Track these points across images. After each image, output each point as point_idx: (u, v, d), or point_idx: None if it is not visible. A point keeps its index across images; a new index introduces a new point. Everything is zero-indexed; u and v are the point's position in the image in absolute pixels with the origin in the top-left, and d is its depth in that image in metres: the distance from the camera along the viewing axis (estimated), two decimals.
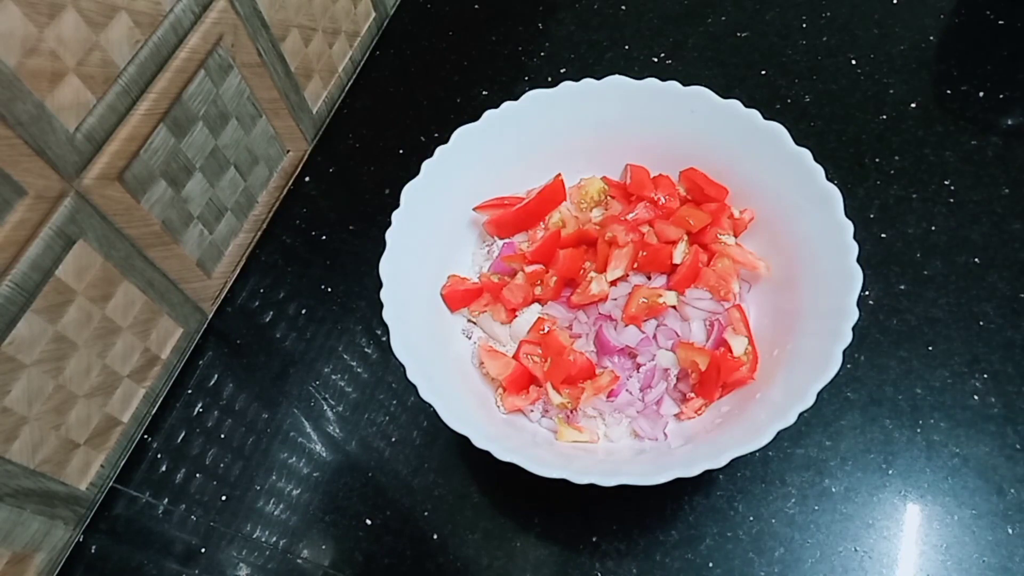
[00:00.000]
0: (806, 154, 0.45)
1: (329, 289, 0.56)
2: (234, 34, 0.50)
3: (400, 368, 0.40)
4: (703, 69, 0.64)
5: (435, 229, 0.48)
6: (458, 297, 0.49)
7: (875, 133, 0.59)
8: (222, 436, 0.51)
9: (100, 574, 0.47)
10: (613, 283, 0.47)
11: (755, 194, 0.48)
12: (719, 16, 0.67)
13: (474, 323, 0.50)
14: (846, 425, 0.47)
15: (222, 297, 0.56)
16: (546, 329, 0.47)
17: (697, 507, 0.46)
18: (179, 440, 0.51)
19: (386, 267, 0.44)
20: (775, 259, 0.47)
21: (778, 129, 0.45)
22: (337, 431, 0.51)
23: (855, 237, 0.41)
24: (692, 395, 0.45)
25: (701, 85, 0.48)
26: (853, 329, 0.39)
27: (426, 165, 0.47)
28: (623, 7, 0.69)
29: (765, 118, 0.46)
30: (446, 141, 0.48)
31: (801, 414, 0.37)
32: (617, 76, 0.49)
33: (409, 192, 0.46)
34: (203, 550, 0.47)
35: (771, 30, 0.66)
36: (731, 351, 0.45)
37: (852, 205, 0.42)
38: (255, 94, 0.54)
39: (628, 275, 0.48)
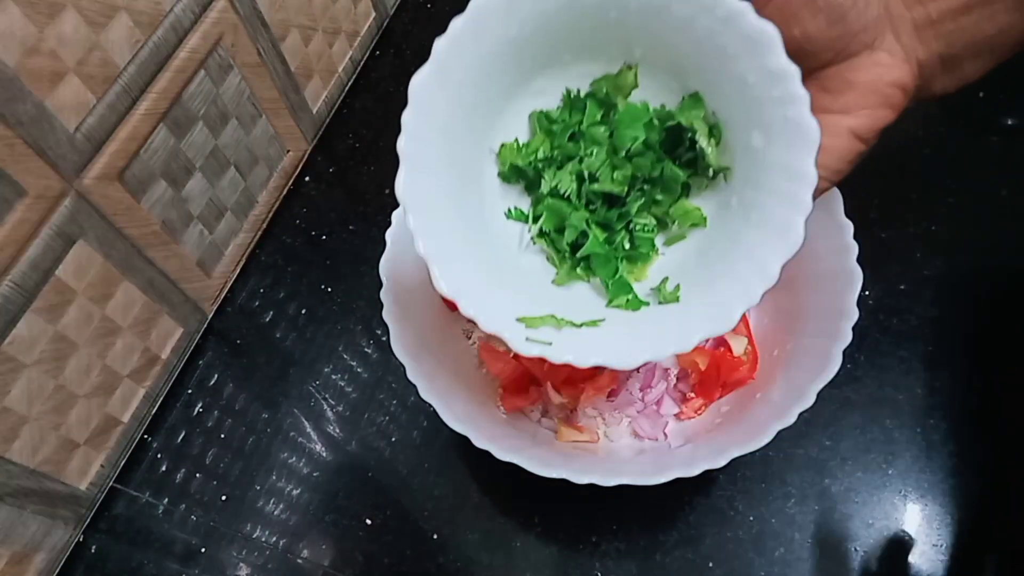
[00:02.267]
0: None
1: (329, 289, 0.56)
2: (234, 34, 0.50)
3: (400, 368, 0.40)
4: None
5: None
6: None
7: None
8: (222, 436, 0.51)
9: (100, 574, 0.47)
10: None
11: None
12: None
13: (474, 323, 0.50)
14: (846, 425, 0.47)
15: (222, 297, 0.56)
16: None
17: (697, 507, 0.46)
18: (179, 440, 0.51)
19: (386, 267, 0.44)
20: None
21: None
22: (337, 431, 0.51)
23: (855, 237, 0.41)
24: (692, 395, 0.45)
25: None
26: (853, 329, 0.39)
27: None
28: None
29: None
30: None
31: (801, 414, 0.37)
32: None
33: None
34: (203, 550, 0.47)
35: None
36: (731, 351, 0.45)
37: (852, 205, 0.42)
38: (255, 94, 0.54)
39: None
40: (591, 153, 0.36)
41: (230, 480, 0.49)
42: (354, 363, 0.53)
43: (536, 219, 0.36)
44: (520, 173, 0.36)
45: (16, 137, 0.36)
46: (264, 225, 0.60)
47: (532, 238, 0.37)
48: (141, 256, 0.47)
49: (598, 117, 0.36)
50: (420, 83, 0.31)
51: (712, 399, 0.45)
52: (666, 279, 0.35)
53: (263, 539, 0.47)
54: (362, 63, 0.68)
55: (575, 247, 0.36)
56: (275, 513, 0.48)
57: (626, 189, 0.35)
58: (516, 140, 0.36)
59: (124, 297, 0.46)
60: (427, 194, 0.32)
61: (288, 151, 0.61)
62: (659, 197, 0.35)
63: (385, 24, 0.71)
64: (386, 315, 0.42)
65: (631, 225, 0.36)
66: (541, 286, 0.36)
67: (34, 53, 0.36)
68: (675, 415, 0.45)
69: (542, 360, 0.46)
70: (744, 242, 0.33)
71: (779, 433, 0.37)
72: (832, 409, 0.48)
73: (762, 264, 0.31)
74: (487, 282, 0.34)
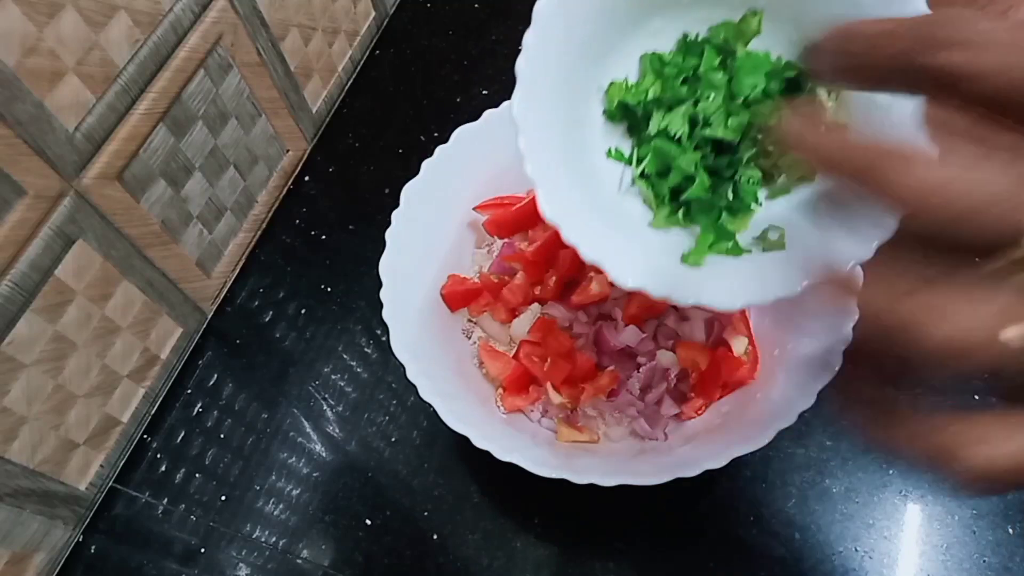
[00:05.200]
0: None
1: (329, 289, 0.56)
2: (234, 33, 0.50)
3: (400, 368, 0.40)
4: None
5: (435, 229, 0.48)
6: (458, 297, 0.49)
7: None
8: (222, 436, 0.51)
9: (100, 574, 0.47)
10: (613, 283, 0.47)
11: None
12: None
13: (474, 323, 0.50)
14: (847, 425, 0.47)
15: (222, 297, 0.56)
16: (546, 329, 0.47)
17: (697, 507, 0.46)
18: (178, 440, 0.51)
19: (386, 267, 0.44)
20: None
21: None
22: (337, 431, 0.51)
23: None
24: (692, 395, 0.45)
25: None
26: (854, 328, 0.39)
27: (426, 165, 0.47)
28: None
29: None
30: (446, 141, 0.48)
31: (802, 414, 0.37)
32: None
33: (409, 192, 0.46)
34: (203, 550, 0.47)
35: None
36: (731, 350, 0.45)
37: None
38: (255, 93, 0.54)
39: None
40: (707, 97, 0.35)
41: (229, 480, 0.49)
42: (354, 363, 0.53)
43: (640, 161, 0.35)
44: (627, 112, 0.35)
45: (15, 137, 0.36)
46: (264, 225, 0.60)
47: (633, 179, 0.36)
48: (140, 256, 0.47)
49: (716, 63, 0.35)
50: (546, 4, 0.31)
51: (712, 399, 0.45)
52: (768, 228, 0.34)
53: (263, 539, 0.47)
54: (362, 62, 0.68)
55: (675, 192, 0.35)
56: (275, 513, 0.48)
57: (739, 137, 0.34)
58: (626, 79, 0.35)
59: (123, 297, 0.46)
60: (537, 119, 0.32)
61: (288, 151, 0.61)
62: (770, 148, 0.34)
63: (385, 23, 0.70)
64: (386, 315, 0.42)
65: (736, 175, 0.35)
66: (638, 227, 0.35)
67: (33, 53, 0.36)
68: (675, 415, 0.45)
69: (542, 360, 0.46)
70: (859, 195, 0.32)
71: (780, 433, 0.37)
72: (833, 409, 0.47)
73: (878, 216, 0.31)
74: (588, 214, 0.33)
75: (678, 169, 0.35)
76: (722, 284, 0.32)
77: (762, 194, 0.35)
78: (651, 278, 0.32)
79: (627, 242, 0.34)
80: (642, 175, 0.36)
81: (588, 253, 0.32)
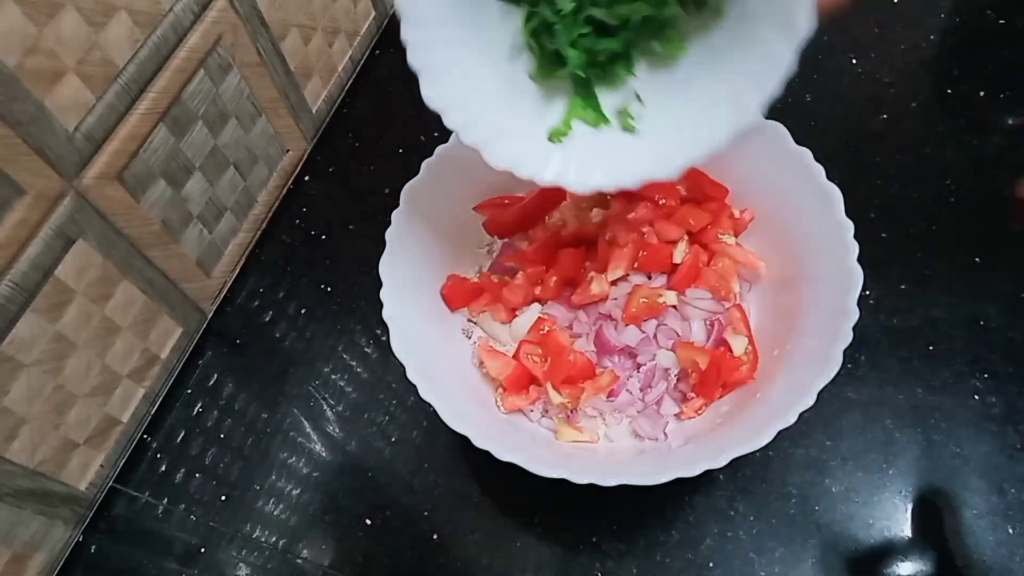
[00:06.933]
0: (806, 153, 0.44)
1: (329, 289, 0.56)
2: (234, 33, 0.50)
3: (400, 368, 0.40)
4: None
5: (435, 229, 0.48)
6: (458, 297, 0.49)
7: (875, 133, 0.59)
8: (222, 436, 0.51)
9: (100, 574, 0.47)
10: (613, 283, 0.47)
11: (755, 194, 0.48)
12: None
13: (474, 323, 0.50)
14: (847, 425, 0.47)
15: (222, 297, 0.56)
16: (546, 329, 0.47)
17: (697, 507, 0.46)
18: (179, 440, 0.51)
19: (386, 267, 0.44)
20: (775, 259, 0.47)
21: (779, 128, 0.45)
22: (337, 431, 0.51)
23: (855, 236, 0.41)
24: (692, 395, 0.45)
25: None
26: (854, 329, 0.39)
27: (426, 165, 0.47)
28: None
29: (765, 117, 0.46)
30: (446, 141, 0.48)
31: (802, 414, 0.37)
32: None
33: (409, 192, 0.46)
34: (203, 550, 0.47)
35: None
36: (731, 351, 0.45)
37: (852, 205, 0.42)
38: (255, 93, 0.54)
39: (628, 275, 0.48)
40: None
41: (230, 480, 0.49)
42: (354, 363, 0.53)
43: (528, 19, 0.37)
44: None
45: (15, 137, 0.36)
46: (264, 225, 0.60)
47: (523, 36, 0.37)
48: (141, 256, 0.47)
49: None
50: None
51: (712, 399, 0.45)
52: (631, 104, 0.37)
53: (263, 539, 0.47)
54: (362, 62, 0.68)
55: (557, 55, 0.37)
56: (275, 513, 0.48)
57: (621, 23, 0.36)
58: None
59: (123, 297, 0.46)
60: None
61: (288, 150, 0.61)
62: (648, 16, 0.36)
63: (385, 23, 0.70)
64: (386, 315, 0.42)
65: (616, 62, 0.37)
66: (522, 79, 0.38)
67: (33, 52, 0.36)
68: (675, 415, 0.45)
69: (542, 360, 0.46)
70: (724, 71, 0.34)
71: (779, 433, 0.37)
72: (832, 409, 0.47)
73: (737, 96, 0.34)
74: (473, 88, 0.36)
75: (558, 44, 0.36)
76: (584, 162, 0.36)
77: (637, 65, 0.37)
78: (521, 158, 0.35)
79: (506, 119, 0.36)
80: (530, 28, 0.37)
81: (466, 137, 0.35)
